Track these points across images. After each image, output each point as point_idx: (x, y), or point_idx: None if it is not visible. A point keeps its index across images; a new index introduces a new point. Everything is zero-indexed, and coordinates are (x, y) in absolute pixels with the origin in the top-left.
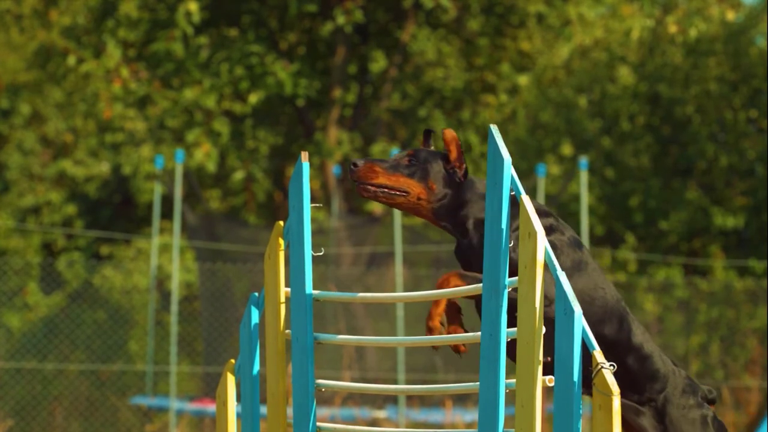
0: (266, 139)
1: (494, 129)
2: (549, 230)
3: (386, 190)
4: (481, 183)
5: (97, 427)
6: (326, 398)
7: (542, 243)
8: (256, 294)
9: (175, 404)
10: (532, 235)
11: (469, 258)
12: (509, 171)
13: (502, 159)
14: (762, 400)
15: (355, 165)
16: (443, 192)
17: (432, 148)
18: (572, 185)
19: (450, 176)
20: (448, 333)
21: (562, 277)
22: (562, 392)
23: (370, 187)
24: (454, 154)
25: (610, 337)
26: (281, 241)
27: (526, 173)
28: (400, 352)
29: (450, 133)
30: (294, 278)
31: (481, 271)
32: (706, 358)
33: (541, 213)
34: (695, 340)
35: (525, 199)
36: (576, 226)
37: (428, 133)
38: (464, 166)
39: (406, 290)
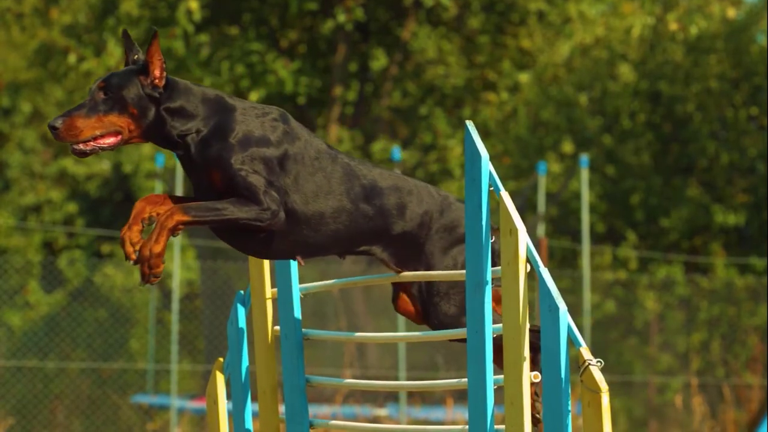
0: None
1: (470, 125)
2: (290, 138)
3: (98, 140)
4: (183, 88)
5: (98, 426)
6: (327, 396)
7: (524, 240)
8: (242, 292)
9: (176, 402)
10: (514, 231)
11: (190, 171)
12: (487, 167)
13: (479, 155)
14: (763, 397)
15: (54, 128)
16: (147, 112)
17: (133, 50)
18: (573, 183)
19: (150, 95)
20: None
21: (545, 274)
22: (550, 389)
23: (80, 146)
24: (152, 66)
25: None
26: None
27: (526, 171)
28: (400, 349)
29: (153, 45)
30: (280, 275)
31: (201, 186)
32: (707, 355)
33: (275, 118)
34: (696, 338)
35: (504, 195)
36: (577, 224)
37: (127, 36)
38: (163, 77)
39: None
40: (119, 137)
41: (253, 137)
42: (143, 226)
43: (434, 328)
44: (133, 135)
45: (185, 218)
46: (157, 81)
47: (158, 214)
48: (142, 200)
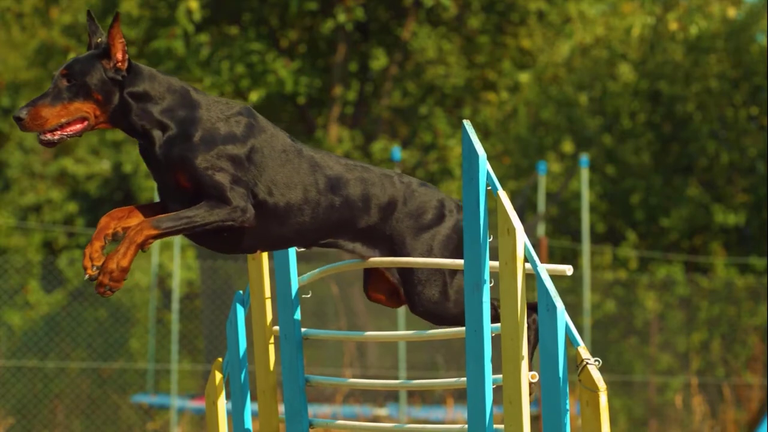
0: None
1: (467, 124)
2: (250, 128)
3: (64, 128)
4: (148, 74)
5: (99, 425)
6: (328, 396)
7: (521, 239)
8: (241, 292)
9: (176, 402)
10: (511, 231)
11: (151, 164)
12: (485, 166)
13: (477, 154)
14: (763, 397)
15: (19, 119)
16: (111, 97)
17: (97, 33)
18: (573, 183)
19: (113, 78)
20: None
21: (543, 273)
22: (548, 388)
23: (47, 135)
24: (114, 49)
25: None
26: None
27: (527, 171)
28: (400, 349)
29: (114, 28)
30: (279, 274)
31: (166, 186)
32: (708, 355)
33: (240, 112)
34: (696, 338)
35: (502, 194)
36: (577, 224)
37: (91, 19)
38: (126, 60)
39: None
40: (85, 123)
41: (218, 135)
42: (106, 243)
43: (420, 315)
44: (100, 121)
45: (155, 232)
46: (119, 64)
47: (125, 229)
48: (107, 215)
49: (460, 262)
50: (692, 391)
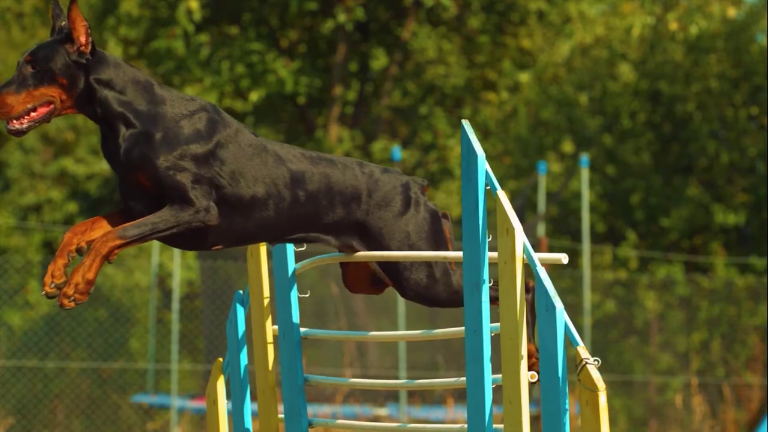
0: (267, 137)
1: (466, 124)
2: (217, 124)
3: (31, 114)
4: (113, 62)
5: (99, 425)
6: (328, 396)
7: (521, 239)
8: (241, 292)
9: (176, 402)
10: (510, 231)
11: (111, 160)
12: (483, 166)
13: (475, 154)
14: (763, 397)
15: None
16: (77, 81)
17: (60, 17)
18: (573, 182)
19: (77, 62)
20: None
21: (542, 273)
22: (548, 388)
23: (15, 123)
24: (76, 32)
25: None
26: None
27: (527, 171)
28: (400, 349)
29: (72, 11)
30: (278, 274)
31: (127, 183)
32: (708, 355)
33: (204, 108)
34: (696, 338)
35: (501, 194)
36: (577, 224)
37: (56, 3)
38: (89, 43)
39: None
40: (51, 107)
41: (181, 134)
42: (69, 260)
43: (412, 299)
44: (66, 105)
45: (120, 242)
46: (83, 47)
47: (89, 242)
48: (70, 230)
49: (457, 255)
50: (692, 391)
